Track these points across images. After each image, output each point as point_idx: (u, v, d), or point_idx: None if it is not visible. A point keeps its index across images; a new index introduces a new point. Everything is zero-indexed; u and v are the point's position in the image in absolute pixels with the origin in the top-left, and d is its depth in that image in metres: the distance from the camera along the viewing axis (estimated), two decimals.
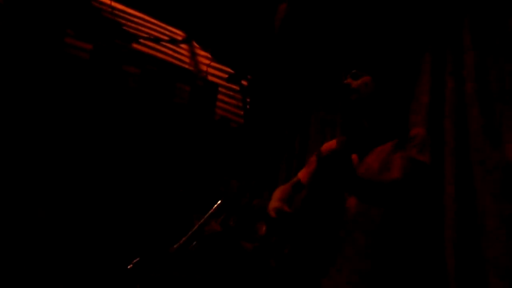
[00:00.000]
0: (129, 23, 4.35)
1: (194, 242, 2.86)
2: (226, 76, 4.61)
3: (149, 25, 4.47)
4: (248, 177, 3.28)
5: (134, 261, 2.64)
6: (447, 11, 2.88)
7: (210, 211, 2.89)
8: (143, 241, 3.57)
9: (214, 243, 2.86)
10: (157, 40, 4.36)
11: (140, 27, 4.41)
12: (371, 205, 1.96)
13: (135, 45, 4.30)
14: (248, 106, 4.74)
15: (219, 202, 2.94)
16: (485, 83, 2.54)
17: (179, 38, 4.57)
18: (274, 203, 2.25)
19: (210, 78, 4.73)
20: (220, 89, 4.78)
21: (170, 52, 4.57)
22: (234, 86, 4.75)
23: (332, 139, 3.54)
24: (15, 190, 3.41)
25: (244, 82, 4.68)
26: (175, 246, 2.72)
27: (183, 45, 4.67)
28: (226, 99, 4.84)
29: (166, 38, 4.47)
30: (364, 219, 1.95)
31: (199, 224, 2.83)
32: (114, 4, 4.22)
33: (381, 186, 1.98)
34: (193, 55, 4.74)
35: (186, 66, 4.66)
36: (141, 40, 4.34)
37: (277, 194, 2.39)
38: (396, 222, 1.94)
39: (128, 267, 2.61)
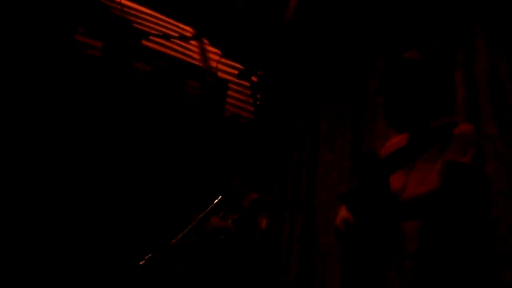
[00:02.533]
0: (138, 20, 4.36)
1: (194, 236, 2.88)
2: (236, 72, 4.61)
3: (158, 22, 4.48)
4: (251, 174, 3.29)
5: (146, 257, 2.66)
6: (460, 17, 2.83)
7: (210, 207, 2.91)
8: (149, 236, 3.59)
9: (214, 237, 2.87)
10: (166, 37, 4.36)
11: (149, 24, 4.42)
12: (412, 222, 1.74)
13: (145, 42, 4.31)
14: (258, 102, 4.74)
15: (219, 198, 2.95)
16: (498, 86, 2.50)
17: (189, 34, 4.57)
18: (341, 214, 1.97)
19: (220, 74, 4.72)
20: (230, 85, 4.78)
21: (180, 49, 4.57)
22: (244, 82, 4.74)
23: (343, 133, 3.55)
24: (25, 190, 3.44)
25: (254, 78, 4.68)
26: (173, 240, 2.75)
27: (192, 42, 4.67)
28: (236, 95, 4.84)
29: (175, 34, 4.47)
30: (408, 239, 1.73)
31: (198, 219, 2.86)
32: (123, 1, 4.22)
33: (418, 202, 1.73)
34: (203, 52, 4.74)
35: (196, 63, 4.66)
36: (151, 37, 4.34)
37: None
38: (442, 240, 1.70)
39: (140, 263, 2.63)
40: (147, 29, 4.37)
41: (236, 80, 4.72)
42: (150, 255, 2.66)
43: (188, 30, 4.60)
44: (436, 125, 1.68)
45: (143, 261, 2.65)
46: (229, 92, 4.79)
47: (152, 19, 4.46)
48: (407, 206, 1.75)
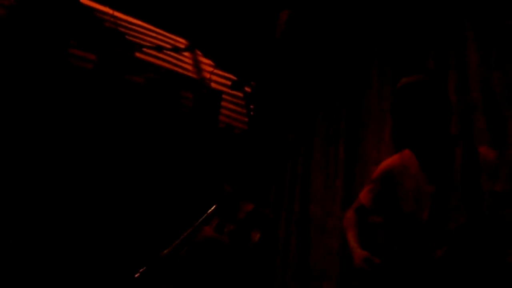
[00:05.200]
0: (131, 33, 4.36)
1: (186, 247, 2.86)
2: (230, 83, 4.62)
3: (151, 34, 4.48)
4: (244, 183, 3.28)
5: (141, 270, 2.64)
6: (449, 15, 2.86)
7: (203, 217, 2.89)
8: (143, 245, 3.57)
9: (207, 248, 2.85)
10: (160, 49, 4.37)
11: (142, 36, 4.42)
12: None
13: (138, 54, 4.31)
14: (252, 113, 4.74)
15: (213, 208, 2.94)
16: (489, 86, 2.52)
17: (182, 46, 4.58)
18: (359, 253, 2.06)
19: (213, 85, 4.73)
20: (223, 96, 4.78)
21: (173, 61, 4.57)
22: (237, 93, 4.75)
23: (337, 145, 3.56)
24: (21, 198, 3.42)
25: (247, 89, 4.69)
26: (165, 251, 2.72)
27: (186, 53, 4.68)
28: (230, 106, 4.84)
29: (169, 46, 4.48)
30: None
31: (191, 229, 2.83)
32: (116, 14, 4.23)
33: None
34: (196, 63, 4.75)
35: (190, 74, 4.66)
36: (144, 49, 4.34)
37: (350, 234, 2.26)
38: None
39: (136, 275, 2.61)
40: (140, 41, 4.37)
41: (230, 91, 4.72)
42: (144, 268, 2.64)
43: (181, 42, 4.61)
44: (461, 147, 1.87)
45: (138, 274, 2.63)
46: (223, 103, 4.79)
47: (145, 31, 4.46)
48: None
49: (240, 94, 4.74)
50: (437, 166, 1.99)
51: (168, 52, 4.50)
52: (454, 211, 1.86)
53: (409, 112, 2.02)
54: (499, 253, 1.78)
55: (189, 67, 4.69)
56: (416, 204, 2.01)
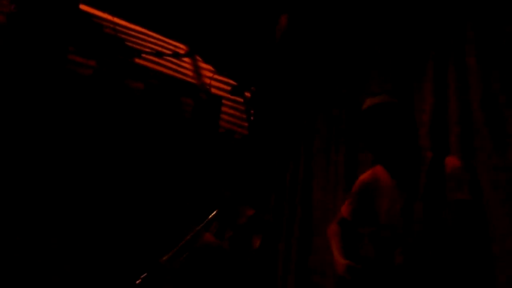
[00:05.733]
0: (131, 39, 4.37)
1: (186, 253, 2.84)
2: (230, 88, 4.61)
3: (151, 39, 4.49)
4: (245, 188, 3.27)
5: (142, 276, 2.62)
6: (449, 15, 2.86)
7: (204, 222, 2.87)
8: (143, 251, 3.56)
9: (207, 254, 2.84)
10: (159, 55, 4.36)
11: (142, 42, 4.43)
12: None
13: (138, 60, 4.31)
14: (252, 118, 4.73)
15: (213, 213, 2.92)
16: (489, 87, 2.51)
17: (182, 52, 4.58)
18: (341, 263, 2.17)
19: (213, 90, 4.73)
20: (223, 101, 4.78)
21: (173, 66, 4.57)
22: (237, 98, 4.74)
23: (338, 149, 3.55)
24: (23, 204, 3.41)
25: (247, 94, 4.68)
26: (165, 257, 2.70)
27: (185, 59, 4.68)
28: (230, 111, 4.84)
29: (168, 52, 4.48)
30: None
31: (191, 235, 2.81)
32: (116, 20, 4.24)
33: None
34: (196, 69, 4.75)
35: (189, 80, 4.66)
36: (144, 55, 4.34)
37: (334, 245, 2.36)
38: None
39: (137, 282, 2.59)
40: (139, 47, 4.37)
41: (230, 96, 4.72)
42: (145, 274, 2.62)
43: (181, 48, 4.62)
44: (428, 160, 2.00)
45: (139, 280, 2.61)
46: (223, 108, 4.79)
47: (145, 37, 4.47)
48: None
49: (240, 99, 4.73)
50: (406, 180, 2.12)
51: (168, 58, 4.50)
52: (417, 222, 1.98)
53: (374, 132, 2.16)
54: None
55: (189, 73, 4.69)
56: (389, 217, 2.13)
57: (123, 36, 4.29)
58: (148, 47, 4.42)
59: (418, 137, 2.24)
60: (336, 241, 2.38)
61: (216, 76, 4.70)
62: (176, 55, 4.51)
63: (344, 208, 2.48)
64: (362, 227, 2.35)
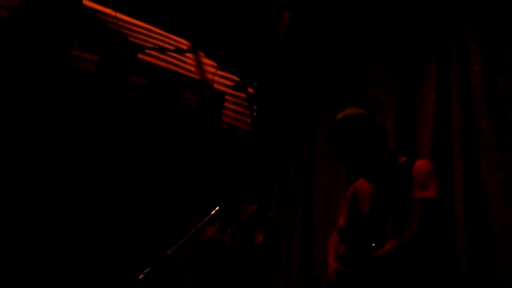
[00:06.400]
0: (134, 34, 4.37)
1: (189, 248, 2.85)
2: (233, 84, 4.61)
3: (154, 35, 4.49)
4: (248, 184, 3.28)
5: (145, 271, 2.63)
6: (451, 14, 2.85)
7: (206, 218, 2.88)
8: (146, 246, 3.57)
9: (210, 249, 2.84)
10: (162, 50, 4.37)
11: (145, 38, 4.43)
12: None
13: (141, 56, 4.32)
14: (255, 113, 4.74)
15: (216, 209, 2.93)
16: (492, 86, 2.50)
17: (185, 47, 4.58)
18: (331, 267, 2.29)
19: (216, 86, 4.73)
20: (226, 97, 4.78)
21: (176, 62, 4.58)
22: (240, 94, 4.74)
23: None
24: (25, 201, 3.43)
25: (250, 90, 4.68)
26: (168, 251, 2.71)
27: (188, 54, 4.68)
28: (233, 107, 4.84)
29: (171, 47, 4.49)
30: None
31: (194, 230, 2.82)
32: (119, 15, 4.24)
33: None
34: (199, 64, 4.75)
35: (192, 75, 4.66)
36: (147, 51, 4.35)
37: (330, 251, 2.46)
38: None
39: (140, 277, 2.60)
40: (143, 43, 4.38)
41: (233, 92, 4.72)
42: (148, 269, 2.63)
43: (184, 43, 4.62)
44: (398, 165, 2.11)
45: (142, 275, 2.62)
46: (226, 104, 4.78)
47: (148, 33, 4.47)
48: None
49: (243, 95, 4.73)
50: (381, 185, 2.22)
51: (171, 54, 4.51)
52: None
53: (343, 144, 2.29)
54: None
55: (192, 68, 4.70)
56: (371, 222, 2.22)
57: (126, 31, 4.29)
58: (151, 43, 4.42)
59: (386, 144, 2.37)
60: (332, 247, 2.48)
61: (219, 72, 4.70)
62: (179, 50, 4.52)
63: (340, 218, 2.60)
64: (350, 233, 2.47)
